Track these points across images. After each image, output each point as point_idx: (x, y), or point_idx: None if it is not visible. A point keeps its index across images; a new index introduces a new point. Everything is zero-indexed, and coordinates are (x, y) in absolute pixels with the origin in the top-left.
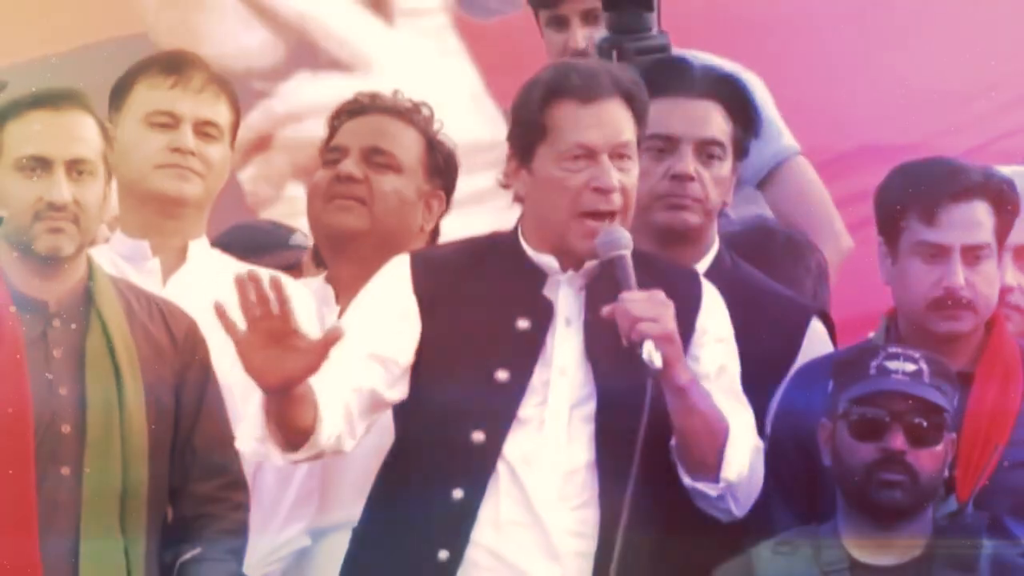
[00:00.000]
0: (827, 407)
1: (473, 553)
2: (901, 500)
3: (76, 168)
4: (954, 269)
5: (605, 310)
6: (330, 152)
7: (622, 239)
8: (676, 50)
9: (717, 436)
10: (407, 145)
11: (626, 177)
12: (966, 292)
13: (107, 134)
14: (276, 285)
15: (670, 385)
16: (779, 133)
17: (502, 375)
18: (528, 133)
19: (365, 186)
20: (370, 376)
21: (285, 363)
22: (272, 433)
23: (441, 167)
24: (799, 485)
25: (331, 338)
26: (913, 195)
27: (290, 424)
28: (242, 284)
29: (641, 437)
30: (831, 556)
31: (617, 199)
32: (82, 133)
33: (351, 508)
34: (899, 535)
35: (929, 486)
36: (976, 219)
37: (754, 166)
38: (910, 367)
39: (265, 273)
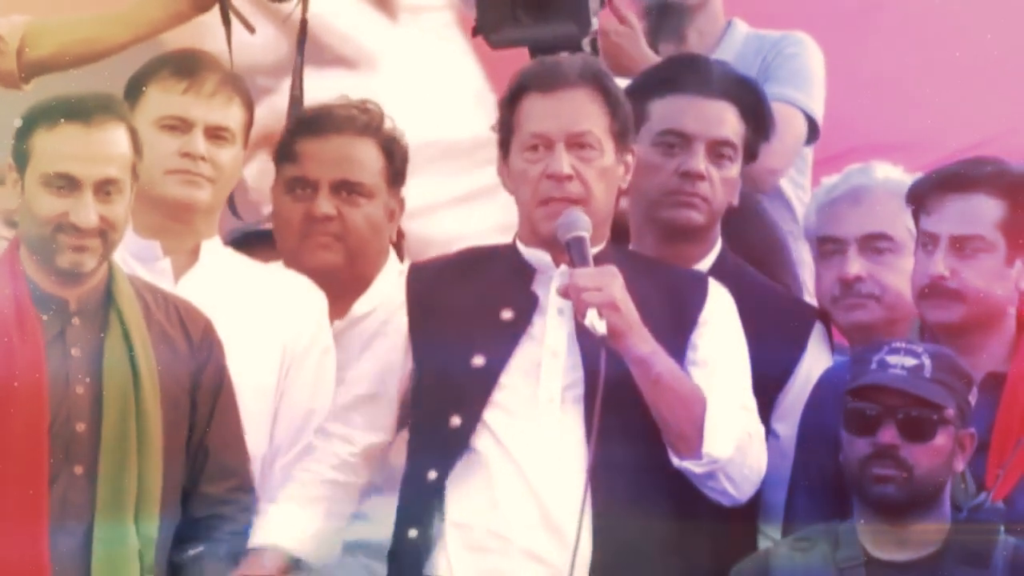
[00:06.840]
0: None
1: (477, 536)
2: (894, 494)
3: (104, 188)
4: (936, 259)
5: (558, 288)
6: (297, 183)
7: (579, 221)
8: None
9: (692, 408)
10: (370, 165)
11: (585, 166)
12: (951, 282)
13: (137, 140)
14: None
15: (627, 356)
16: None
17: (478, 360)
18: (503, 128)
19: (339, 222)
20: (357, 429)
21: None
22: None
23: (399, 169)
24: (826, 482)
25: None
26: (927, 186)
27: None
28: None
29: (598, 408)
30: (847, 552)
31: (573, 187)
32: (113, 150)
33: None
34: (909, 529)
35: (928, 480)
36: (972, 211)
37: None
38: (910, 361)
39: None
